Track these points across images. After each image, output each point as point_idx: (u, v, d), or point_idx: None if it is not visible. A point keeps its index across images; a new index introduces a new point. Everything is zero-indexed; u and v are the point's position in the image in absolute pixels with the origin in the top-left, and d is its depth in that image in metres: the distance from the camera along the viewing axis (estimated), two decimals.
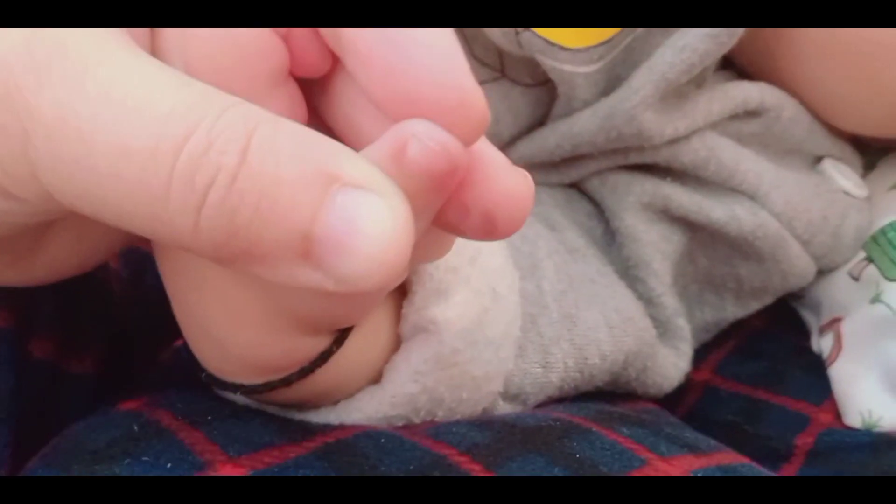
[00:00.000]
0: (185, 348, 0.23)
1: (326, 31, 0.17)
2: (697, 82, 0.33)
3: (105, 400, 0.24)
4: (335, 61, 0.18)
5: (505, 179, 0.17)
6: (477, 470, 0.20)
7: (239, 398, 0.23)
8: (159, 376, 0.28)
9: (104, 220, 0.15)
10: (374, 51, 0.16)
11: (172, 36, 0.17)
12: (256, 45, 0.17)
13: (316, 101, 0.19)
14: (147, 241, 0.31)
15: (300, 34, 0.17)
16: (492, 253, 0.25)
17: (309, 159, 0.14)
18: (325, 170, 0.14)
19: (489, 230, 0.17)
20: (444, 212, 0.17)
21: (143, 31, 0.17)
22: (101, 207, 0.15)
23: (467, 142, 0.16)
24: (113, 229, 0.20)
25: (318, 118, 0.19)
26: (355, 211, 0.14)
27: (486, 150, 0.17)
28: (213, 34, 0.16)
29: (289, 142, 0.14)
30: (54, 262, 0.20)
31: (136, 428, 0.20)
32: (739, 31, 0.30)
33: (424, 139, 0.15)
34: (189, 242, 0.15)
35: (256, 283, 0.18)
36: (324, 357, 0.21)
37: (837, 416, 0.34)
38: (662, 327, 0.33)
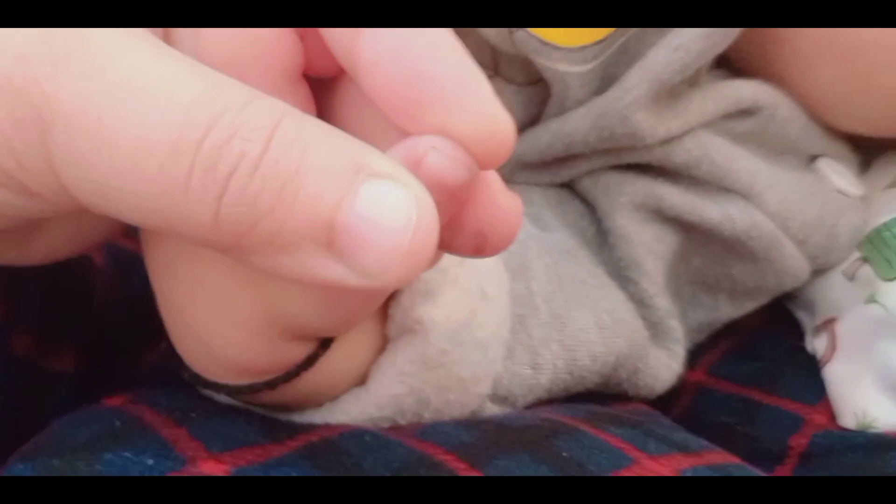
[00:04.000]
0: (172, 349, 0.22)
1: (341, 55, 0.17)
2: (691, 82, 0.32)
3: (86, 398, 0.23)
4: None
5: (501, 200, 0.17)
6: (462, 468, 0.20)
7: (223, 398, 0.23)
8: (145, 376, 0.28)
9: (119, 215, 0.15)
10: (395, 84, 0.16)
11: (187, 33, 0.16)
12: (273, 40, 0.16)
13: (321, 100, 0.19)
14: (135, 235, 0.31)
15: (316, 33, 0.17)
16: None
17: (334, 150, 0.14)
18: (350, 160, 0.14)
19: (479, 249, 0.17)
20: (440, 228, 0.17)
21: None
22: (119, 201, 0.15)
23: (488, 167, 0.16)
24: (108, 217, 0.20)
25: (324, 119, 0.19)
26: (381, 201, 0.14)
27: (486, 171, 0.17)
28: (226, 30, 0.16)
29: (314, 133, 0.14)
30: (51, 245, 0.20)
31: (118, 424, 0.20)
32: (735, 32, 0.30)
33: (444, 151, 0.15)
34: (209, 234, 0.14)
35: (251, 286, 0.18)
36: (310, 361, 0.21)
37: (832, 416, 0.33)
38: (655, 328, 0.33)
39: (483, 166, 0.16)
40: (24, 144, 0.14)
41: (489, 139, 0.15)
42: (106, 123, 0.14)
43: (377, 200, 0.14)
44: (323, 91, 0.18)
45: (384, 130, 0.17)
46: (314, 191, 0.14)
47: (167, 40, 0.17)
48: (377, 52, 0.16)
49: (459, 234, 0.17)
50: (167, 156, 0.14)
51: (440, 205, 0.15)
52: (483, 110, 0.15)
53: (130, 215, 0.15)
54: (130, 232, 0.33)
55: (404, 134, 0.16)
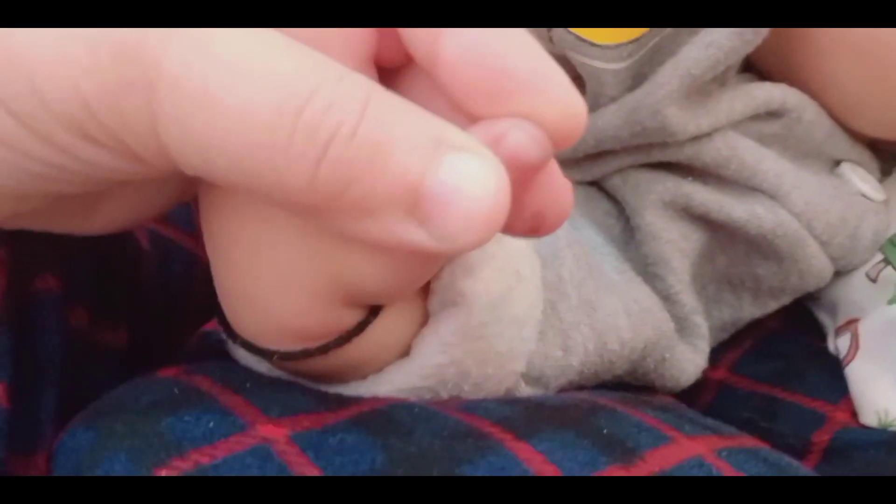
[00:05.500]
0: (214, 332, 0.23)
1: (419, 52, 0.18)
2: (720, 81, 0.33)
3: (135, 373, 0.24)
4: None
5: (559, 183, 0.18)
6: (508, 439, 0.20)
7: (265, 368, 0.23)
8: (188, 355, 0.29)
9: (216, 176, 0.16)
10: (478, 79, 0.17)
11: None
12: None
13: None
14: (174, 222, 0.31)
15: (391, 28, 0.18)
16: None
17: (419, 123, 0.16)
18: (433, 133, 0.16)
19: (535, 228, 0.19)
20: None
21: None
22: (218, 162, 0.15)
23: (562, 146, 0.17)
24: (168, 188, 0.21)
25: None
26: (461, 171, 0.15)
27: None
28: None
29: (400, 107, 0.16)
30: (110, 216, 0.21)
31: (176, 391, 0.21)
32: (765, 30, 0.31)
33: (526, 129, 0.17)
34: (303, 195, 0.15)
35: (317, 252, 0.19)
36: (360, 327, 0.21)
37: (854, 414, 0.34)
38: (680, 324, 0.34)
39: (558, 146, 0.17)
40: (132, 105, 0.15)
41: (568, 121, 0.17)
42: (211, 89, 0.15)
43: (459, 169, 0.15)
44: (386, 80, 0.19)
45: (448, 117, 0.18)
46: (402, 158, 0.15)
47: None
48: (458, 50, 0.17)
49: (520, 212, 0.18)
50: (270, 121, 0.15)
51: (511, 183, 0.16)
52: (562, 95, 0.17)
53: (227, 175, 0.16)
54: (170, 218, 0.34)
55: (469, 119, 0.17)
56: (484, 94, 0.17)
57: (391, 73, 0.19)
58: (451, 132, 0.16)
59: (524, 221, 0.18)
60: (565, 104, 0.17)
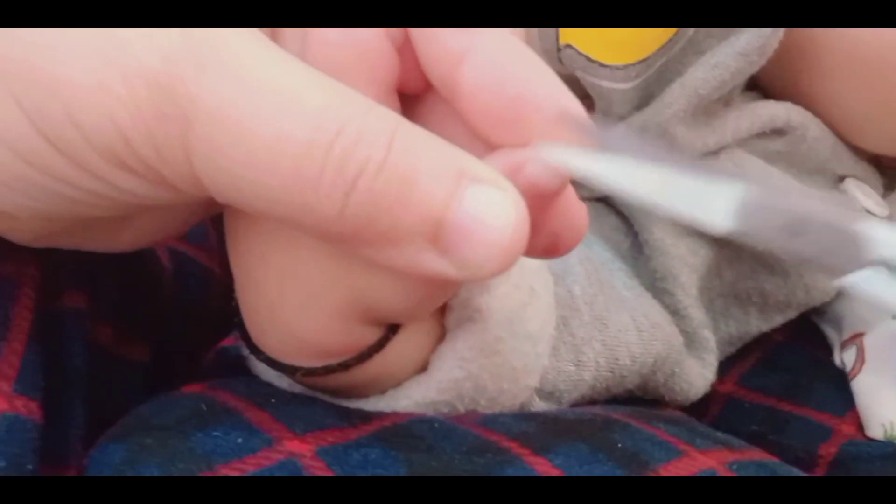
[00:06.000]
0: (234, 347, 0.24)
1: (438, 80, 0.18)
2: (726, 100, 0.34)
3: (159, 388, 0.25)
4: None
5: (574, 206, 0.19)
6: (526, 454, 0.21)
7: (285, 383, 0.24)
8: (208, 371, 0.30)
9: (247, 205, 0.17)
10: (497, 107, 0.18)
11: (293, 34, 0.18)
12: (375, 51, 0.18)
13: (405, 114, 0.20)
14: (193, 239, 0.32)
15: (411, 52, 0.19)
16: None
17: (441, 155, 0.16)
18: (455, 165, 0.16)
19: (551, 250, 0.19)
20: None
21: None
22: (250, 193, 0.16)
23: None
24: (195, 208, 0.21)
25: None
26: (483, 203, 0.16)
27: None
28: (334, 36, 0.18)
29: (425, 141, 0.16)
30: (138, 234, 0.21)
31: (203, 407, 0.21)
32: (770, 51, 0.32)
33: (543, 159, 0.17)
34: (332, 226, 0.16)
35: (341, 274, 0.20)
36: (381, 343, 0.22)
37: (860, 427, 0.35)
38: (688, 338, 0.34)
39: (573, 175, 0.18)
40: (167, 137, 0.16)
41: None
42: (244, 123, 0.16)
43: (481, 201, 0.16)
44: (406, 107, 0.20)
45: (467, 145, 0.19)
46: (427, 191, 0.16)
47: (275, 36, 0.18)
48: (477, 79, 0.18)
49: (537, 235, 0.18)
50: (301, 155, 0.16)
51: (530, 208, 0.17)
52: (576, 122, 0.17)
53: (258, 204, 0.16)
54: (189, 236, 0.35)
55: (487, 146, 0.18)
56: (502, 123, 0.18)
57: (412, 100, 0.20)
58: (472, 164, 0.17)
59: (541, 243, 0.19)
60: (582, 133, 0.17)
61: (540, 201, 0.18)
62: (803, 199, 0.15)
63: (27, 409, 0.20)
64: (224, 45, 0.16)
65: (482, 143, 0.18)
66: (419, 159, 0.16)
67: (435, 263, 0.16)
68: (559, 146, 0.17)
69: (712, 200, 0.15)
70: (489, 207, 0.16)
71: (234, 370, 0.26)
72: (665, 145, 0.18)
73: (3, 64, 0.16)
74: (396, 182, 0.16)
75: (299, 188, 0.16)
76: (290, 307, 0.20)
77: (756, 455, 0.25)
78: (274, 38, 0.18)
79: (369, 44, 0.18)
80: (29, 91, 0.16)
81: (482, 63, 0.18)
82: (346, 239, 0.16)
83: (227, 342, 0.31)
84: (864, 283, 0.15)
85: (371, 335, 0.22)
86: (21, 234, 0.20)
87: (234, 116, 0.15)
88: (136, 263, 0.28)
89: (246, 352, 0.24)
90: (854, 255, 0.15)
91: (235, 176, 0.16)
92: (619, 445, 0.22)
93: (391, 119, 0.16)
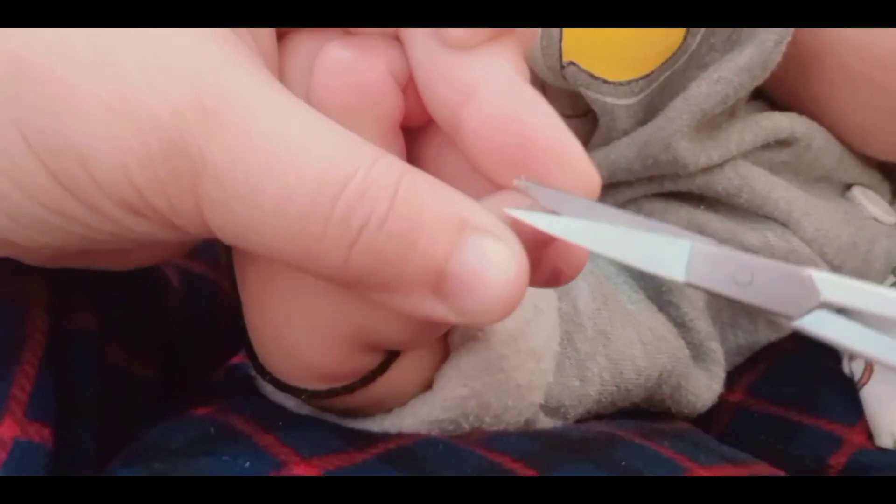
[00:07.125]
0: (243, 365, 0.24)
1: (443, 120, 0.19)
2: (730, 112, 0.34)
3: (172, 407, 0.25)
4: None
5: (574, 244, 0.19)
6: (531, 474, 0.21)
7: (292, 403, 0.24)
8: (218, 389, 0.30)
9: (255, 250, 0.17)
10: (501, 148, 0.18)
11: (300, 64, 0.19)
12: (379, 91, 0.19)
13: (409, 146, 0.21)
14: (202, 257, 0.32)
15: (415, 90, 0.19)
16: None
17: (444, 206, 0.17)
18: (457, 216, 0.17)
19: (552, 281, 0.20)
20: None
21: (272, 55, 0.19)
22: (257, 241, 0.17)
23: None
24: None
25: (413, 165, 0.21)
26: (484, 254, 0.17)
27: None
28: (339, 79, 0.18)
29: (428, 191, 0.17)
30: (145, 256, 0.22)
31: (212, 430, 0.22)
32: (772, 65, 0.32)
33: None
34: (336, 273, 0.17)
35: (345, 306, 0.20)
36: (383, 366, 0.22)
37: (869, 436, 0.34)
38: (695, 350, 0.34)
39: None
40: (177, 189, 0.16)
41: (585, 190, 0.18)
42: (252, 178, 0.16)
43: (482, 252, 0.17)
44: (409, 140, 0.20)
45: (468, 177, 0.19)
46: (429, 243, 0.16)
47: (282, 67, 0.19)
48: (483, 122, 0.18)
49: (538, 269, 0.19)
50: (307, 208, 0.16)
51: (531, 249, 0.17)
52: (581, 167, 0.18)
53: (266, 251, 0.17)
54: (198, 253, 0.35)
55: (489, 181, 0.19)
56: (505, 163, 0.18)
57: (415, 132, 0.20)
58: (474, 212, 0.17)
59: (542, 276, 0.19)
60: (584, 174, 0.18)
61: (540, 243, 0.18)
62: (747, 253, 0.16)
63: (39, 435, 0.21)
64: (234, 95, 0.16)
65: (484, 180, 0.19)
66: (422, 211, 0.16)
67: (436, 309, 0.17)
68: (536, 192, 0.18)
69: (665, 255, 0.16)
70: (490, 259, 0.16)
71: (244, 388, 0.26)
72: (618, 208, 0.18)
73: (20, 111, 0.16)
74: (399, 235, 0.16)
75: (304, 239, 0.16)
76: (296, 332, 0.21)
77: (761, 470, 0.25)
78: (281, 67, 0.19)
79: (374, 85, 0.18)
80: (44, 140, 0.16)
81: (486, 105, 0.18)
82: (350, 284, 0.17)
83: (236, 359, 0.32)
84: (815, 325, 0.15)
85: (374, 360, 0.22)
86: (32, 258, 0.20)
87: (243, 172, 0.16)
88: (145, 281, 0.28)
89: (253, 371, 0.24)
90: (803, 300, 0.15)
91: (242, 227, 0.16)
92: (623, 464, 0.22)
93: (396, 169, 0.17)
